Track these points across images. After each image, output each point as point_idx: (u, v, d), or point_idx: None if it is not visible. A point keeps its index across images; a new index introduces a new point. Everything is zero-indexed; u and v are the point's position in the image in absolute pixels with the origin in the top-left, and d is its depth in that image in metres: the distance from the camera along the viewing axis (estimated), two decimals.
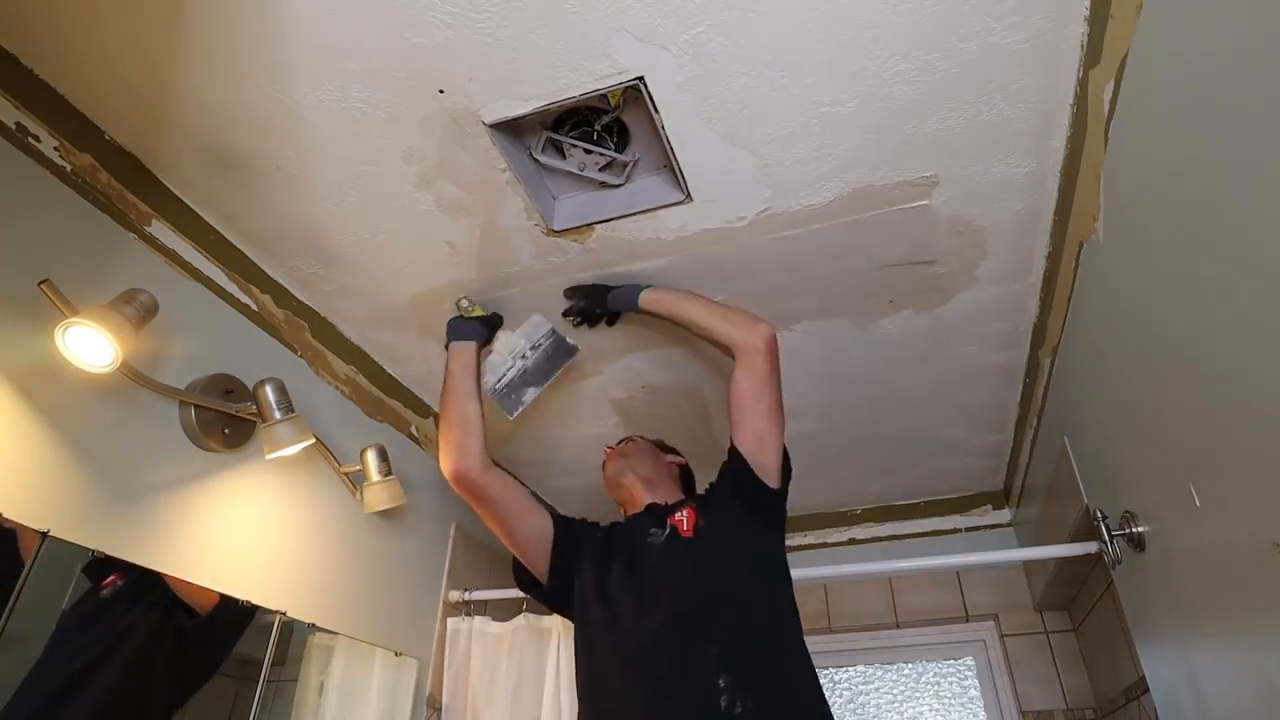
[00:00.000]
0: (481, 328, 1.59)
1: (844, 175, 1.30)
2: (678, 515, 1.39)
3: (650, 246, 1.48)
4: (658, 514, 1.44)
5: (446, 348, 1.58)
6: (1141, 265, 1.09)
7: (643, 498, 1.52)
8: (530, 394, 1.63)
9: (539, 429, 2.20)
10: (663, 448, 1.70)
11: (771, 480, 1.36)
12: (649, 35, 1.05)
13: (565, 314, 1.64)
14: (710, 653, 1.17)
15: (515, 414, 1.62)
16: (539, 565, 1.47)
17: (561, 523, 1.50)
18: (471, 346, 1.56)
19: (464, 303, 1.58)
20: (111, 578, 1.14)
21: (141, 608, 1.19)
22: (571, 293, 1.60)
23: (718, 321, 1.44)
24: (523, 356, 1.62)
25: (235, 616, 1.35)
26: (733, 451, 1.38)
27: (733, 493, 1.37)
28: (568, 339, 1.66)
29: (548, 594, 1.48)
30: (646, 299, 1.51)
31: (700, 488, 1.56)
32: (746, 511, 1.35)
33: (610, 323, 1.64)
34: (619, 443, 1.69)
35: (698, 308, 1.47)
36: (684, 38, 1.05)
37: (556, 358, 1.65)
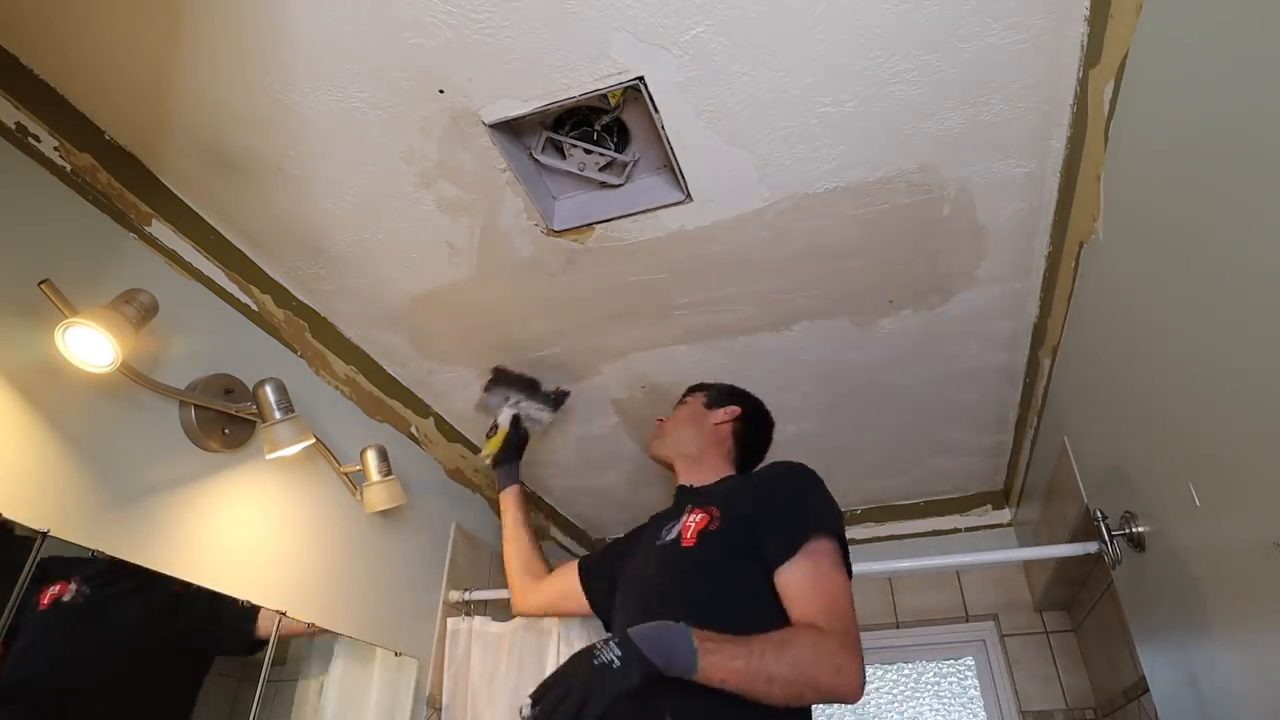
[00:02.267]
0: (515, 467, 1.83)
1: (844, 175, 1.30)
2: (688, 518, 1.25)
3: (650, 246, 1.48)
4: (680, 506, 1.33)
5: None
6: (1141, 265, 1.09)
7: (681, 476, 1.43)
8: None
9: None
10: (721, 398, 1.52)
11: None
12: (649, 35, 1.05)
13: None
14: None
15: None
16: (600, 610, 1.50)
17: (584, 568, 1.55)
18: (514, 489, 1.78)
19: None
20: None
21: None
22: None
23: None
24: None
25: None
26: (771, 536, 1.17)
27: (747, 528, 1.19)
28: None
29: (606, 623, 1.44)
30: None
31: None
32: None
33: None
34: (677, 404, 1.57)
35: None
36: (684, 38, 1.05)
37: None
